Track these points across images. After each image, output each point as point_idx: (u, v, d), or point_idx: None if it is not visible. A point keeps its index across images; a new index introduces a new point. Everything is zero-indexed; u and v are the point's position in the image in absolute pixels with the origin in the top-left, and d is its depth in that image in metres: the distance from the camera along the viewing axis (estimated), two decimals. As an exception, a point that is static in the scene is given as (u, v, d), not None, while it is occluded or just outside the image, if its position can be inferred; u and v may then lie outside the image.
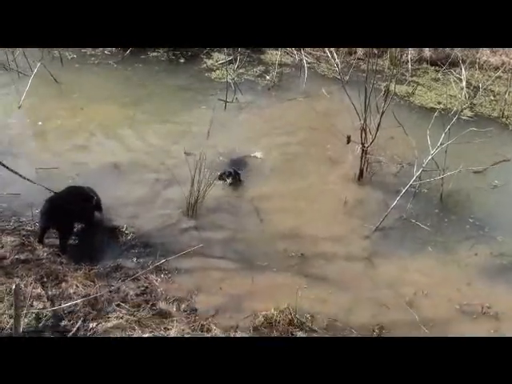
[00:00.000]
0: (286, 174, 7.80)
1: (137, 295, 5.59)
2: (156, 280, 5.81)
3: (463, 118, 9.13)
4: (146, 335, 3.84)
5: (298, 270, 6.07)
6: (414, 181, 7.05)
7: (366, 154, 7.60)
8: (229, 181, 7.45)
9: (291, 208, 7.09)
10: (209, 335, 4.66)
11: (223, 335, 4.82)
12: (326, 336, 4.71)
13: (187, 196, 6.75)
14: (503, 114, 9.63)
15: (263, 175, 7.82)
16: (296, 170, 7.87)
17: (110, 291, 5.52)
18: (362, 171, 7.65)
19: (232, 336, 4.65)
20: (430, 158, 7.00)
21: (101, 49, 11.59)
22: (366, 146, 7.55)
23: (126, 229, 6.54)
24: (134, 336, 3.66)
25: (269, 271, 6.07)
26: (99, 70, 10.75)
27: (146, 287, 5.71)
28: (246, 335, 4.73)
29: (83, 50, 11.46)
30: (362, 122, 7.49)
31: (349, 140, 7.97)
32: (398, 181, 7.60)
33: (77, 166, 7.56)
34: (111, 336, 3.69)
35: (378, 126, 7.45)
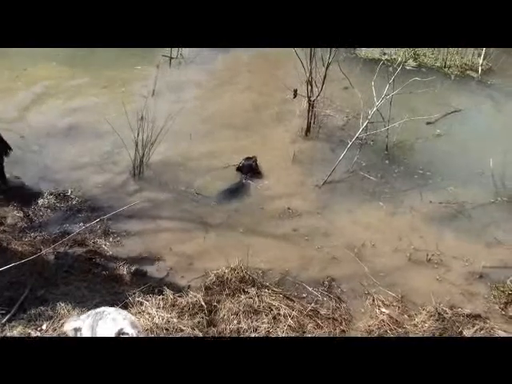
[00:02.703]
0: (231, 130, 7.70)
1: (85, 260, 5.49)
2: (104, 244, 5.72)
3: (407, 68, 9.21)
4: (142, 335, 3.82)
5: (248, 227, 6.08)
6: (361, 133, 7.11)
7: (312, 107, 7.59)
8: (247, 176, 6.87)
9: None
10: (209, 335, 4.65)
11: (223, 336, 4.80)
12: (326, 336, 4.76)
13: (133, 157, 6.62)
14: (445, 63, 9.74)
15: (209, 132, 7.70)
16: (242, 126, 7.79)
17: (57, 257, 5.41)
18: (309, 125, 7.64)
19: (232, 336, 4.65)
20: (374, 109, 7.05)
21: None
22: (312, 99, 7.52)
23: (72, 193, 6.38)
24: (133, 336, 3.65)
25: (220, 230, 6.07)
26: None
27: (95, 251, 5.61)
28: (247, 335, 4.74)
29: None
30: (308, 74, 7.44)
31: (295, 94, 7.92)
32: (346, 133, 7.63)
33: (21, 128, 7.30)
34: (110, 336, 3.69)
35: (324, 78, 7.42)
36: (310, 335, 4.77)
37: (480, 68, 9.50)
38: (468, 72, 9.62)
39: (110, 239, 5.80)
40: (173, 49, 9.42)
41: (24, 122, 7.49)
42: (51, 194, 6.35)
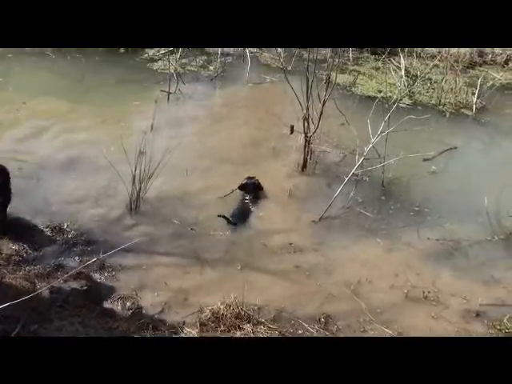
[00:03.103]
0: (228, 165, 7.74)
1: (80, 295, 5.44)
2: (99, 278, 5.67)
3: (402, 106, 9.35)
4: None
5: (245, 263, 6.06)
6: (357, 169, 7.16)
7: (309, 143, 7.66)
8: (250, 196, 7.03)
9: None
10: (208, 335, 4.61)
11: (222, 335, 4.75)
12: (326, 336, 4.71)
13: (129, 191, 6.63)
14: (440, 101, 9.90)
15: (207, 166, 7.74)
16: (239, 160, 7.84)
17: (51, 292, 5.36)
18: (305, 161, 7.70)
19: (232, 336, 4.61)
20: (370, 146, 7.13)
21: (36, 39, 11.18)
22: (308, 135, 7.60)
23: (67, 226, 6.36)
24: (133, 336, 3.64)
25: (216, 264, 6.03)
26: (36, 61, 10.38)
27: (90, 286, 5.56)
28: (246, 335, 4.69)
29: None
30: (305, 111, 7.54)
31: (292, 130, 8.02)
32: (342, 169, 7.68)
33: (18, 160, 7.30)
34: (109, 336, 3.66)
35: (321, 115, 7.52)
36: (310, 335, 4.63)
37: (474, 106, 9.64)
38: (462, 110, 9.76)
39: (106, 273, 5.75)
40: (171, 84, 9.55)
41: (22, 155, 7.50)
42: (47, 227, 6.33)
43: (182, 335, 4.95)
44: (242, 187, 7.09)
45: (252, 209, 6.95)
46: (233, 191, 7.11)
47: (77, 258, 5.91)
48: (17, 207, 6.50)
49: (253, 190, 7.08)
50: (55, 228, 6.31)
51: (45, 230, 6.30)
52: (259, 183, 7.15)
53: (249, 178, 7.17)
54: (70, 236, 6.24)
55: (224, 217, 6.58)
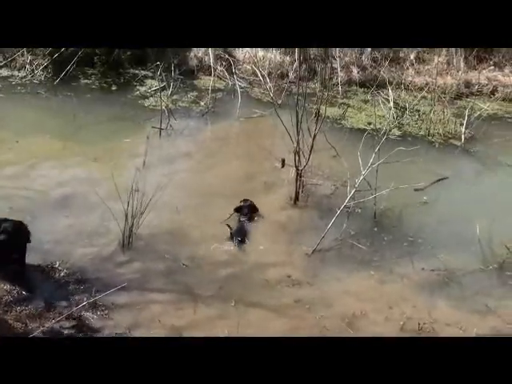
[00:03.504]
0: (221, 199, 7.75)
1: (72, 335, 5.37)
2: (92, 317, 5.61)
3: (392, 137, 9.45)
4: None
5: (239, 298, 6.00)
6: (348, 201, 7.19)
7: (300, 176, 7.71)
8: (246, 217, 7.35)
9: (227, 235, 7.04)
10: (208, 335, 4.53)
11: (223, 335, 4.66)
12: (326, 336, 4.64)
13: (122, 228, 6.62)
14: (429, 132, 10.04)
15: (200, 201, 7.74)
16: (232, 195, 7.86)
17: (43, 332, 5.28)
18: (297, 194, 7.74)
19: (232, 336, 4.53)
20: (361, 178, 7.19)
21: (29, 77, 11.33)
22: (300, 169, 7.66)
23: (60, 265, 6.31)
24: (135, 336, 3.60)
25: (210, 300, 5.98)
26: (28, 100, 10.47)
27: (82, 325, 5.49)
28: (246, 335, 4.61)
29: (9, 80, 11.17)
30: (295, 145, 7.61)
31: (283, 163, 8.09)
32: (334, 202, 7.71)
33: (9, 198, 7.30)
34: (109, 336, 3.63)
35: (311, 148, 7.60)
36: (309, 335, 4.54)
37: (463, 136, 9.77)
38: (451, 140, 9.91)
39: (98, 312, 5.68)
40: (162, 120, 9.63)
41: (15, 193, 7.49)
42: (39, 266, 6.27)
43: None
44: (237, 209, 7.44)
45: (249, 228, 7.20)
46: (231, 216, 7.35)
47: (69, 296, 5.84)
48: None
49: (248, 211, 7.41)
50: (47, 267, 6.25)
51: (37, 269, 6.23)
52: (254, 205, 7.49)
53: (244, 200, 7.50)
54: (62, 275, 6.17)
55: (228, 226, 7.05)
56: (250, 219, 7.36)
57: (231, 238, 6.93)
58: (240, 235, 6.99)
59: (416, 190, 8.04)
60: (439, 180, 8.45)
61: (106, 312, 5.70)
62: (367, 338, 4.62)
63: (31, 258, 6.35)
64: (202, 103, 10.86)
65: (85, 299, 5.75)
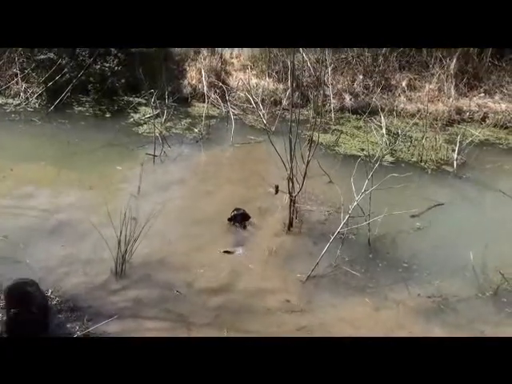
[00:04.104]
0: (215, 225, 7.73)
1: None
2: (84, 346, 5.53)
3: (385, 163, 9.52)
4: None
5: (232, 325, 5.94)
6: (342, 227, 7.19)
7: (294, 203, 7.72)
8: (240, 225, 7.72)
9: (221, 262, 7.02)
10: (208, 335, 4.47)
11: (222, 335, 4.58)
12: (326, 336, 4.57)
13: (114, 255, 6.58)
14: (421, 158, 10.11)
15: (194, 228, 7.71)
16: (226, 221, 7.84)
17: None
18: (291, 220, 7.73)
19: (232, 336, 4.47)
20: (354, 204, 7.20)
21: (23, 105, 11.38)
22: (293, 195, 7.67)
23: (52, 293, 6.25)
24: (135, 336, 3.57)
25: (204, 329, 5.92)
26: (22, 128, 10.50)
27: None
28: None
29: (4, 107, 11.22)
30: (289, 171, 7.64)
31: (277, 190, 8.11)
32: (327, 228, 7.71)
33: (4, 227, 7.27)
34: (110, 336, 3.60)
35: (305, 175, 7.62)
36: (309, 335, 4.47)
37: (455, 162, 9.84)
38: (444, 166, 9.97)
39: (90, 341, 5.62)
40: (156, 147, 9.67)
41: (8, 221, 7.46)
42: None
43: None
44: (231, 219, 7.70)
45: (243, 235, 7.56)
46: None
47: (61, 325, 5.77)
48: (1, 274, 6.40)
49: (241, 220, 7.70)
50: (39, 295, 6.18)
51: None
52: (246, 213, 7.75)
53: (236, 209, 7.77)
54: (54, 303, 6.11)
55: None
56: (244, 227, 7.68)
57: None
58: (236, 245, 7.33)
59: (412, 216, 8.06)
60: (435, 206, 8.48)
61: (98, 341, 5.63)
62: (367, 338, 4.58)
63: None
64: (196, 130, 10.92)
65: (77, 328, 5.70)
